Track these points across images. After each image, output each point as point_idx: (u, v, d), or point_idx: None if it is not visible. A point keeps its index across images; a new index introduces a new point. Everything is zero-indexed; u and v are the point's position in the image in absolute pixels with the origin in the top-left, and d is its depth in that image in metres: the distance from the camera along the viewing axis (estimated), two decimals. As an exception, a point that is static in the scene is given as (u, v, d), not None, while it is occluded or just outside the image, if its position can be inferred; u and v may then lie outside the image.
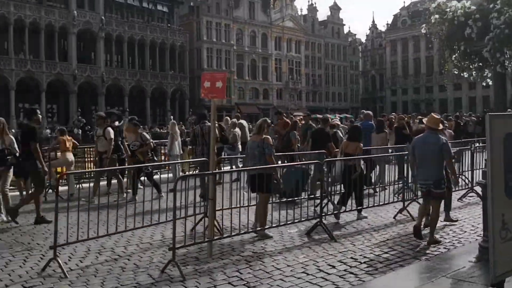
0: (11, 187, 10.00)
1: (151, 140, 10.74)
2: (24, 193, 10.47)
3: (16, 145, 8.71)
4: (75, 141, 12.34)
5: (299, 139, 11.61)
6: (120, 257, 6.33)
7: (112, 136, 10.38)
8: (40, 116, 8.75)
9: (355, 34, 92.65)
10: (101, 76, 53.00)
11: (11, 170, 8.75)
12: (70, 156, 11.36)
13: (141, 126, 12.94)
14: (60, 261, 5.69)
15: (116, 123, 11.20)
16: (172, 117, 40.19)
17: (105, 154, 10.44)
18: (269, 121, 8.42)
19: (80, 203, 7.00)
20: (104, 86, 53.25)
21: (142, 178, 12.83)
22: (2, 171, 8.46)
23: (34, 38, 48.28)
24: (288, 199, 8.38)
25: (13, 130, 19.56)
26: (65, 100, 51.63)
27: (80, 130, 35.66)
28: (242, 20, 68.05)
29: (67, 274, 5.54)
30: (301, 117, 14.09)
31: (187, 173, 13.71)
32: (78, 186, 10.97)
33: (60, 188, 8.09)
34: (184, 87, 60.81)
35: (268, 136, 7.74)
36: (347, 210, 8.45)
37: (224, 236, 6.84)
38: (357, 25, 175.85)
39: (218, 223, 7.11)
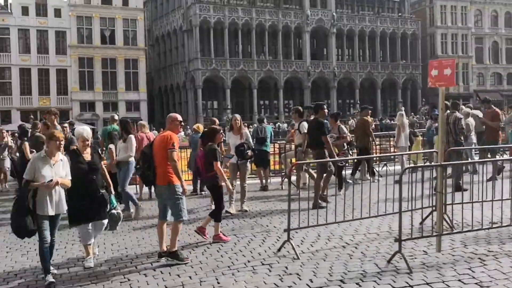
0: (251, 176, 11.16)
1: (348, 134, 10.66)
2: (264, 181, 11.64)
3: (251, 139, 9.62)
4: (307, 134, 13.08)
5: None
6: (347, 245, 6.56)
7: (305, 130, 10.58)
8: (326, 110, 9.45)
9: None
10: (333, 71, 54.91)
11: (248, 164, 9.56)
12: (303, 148, 12.09)
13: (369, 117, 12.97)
14: (293, 244, 6.19)
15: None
16: (403, 108, 39.25)
17: (301, 147, 10.68)
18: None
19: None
20: (335, 80, 55.05)
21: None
22: (241, 164, 9.19)
23: (272, 40, 52.68)
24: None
25: (255, 125, 21.73)
26: (299, 95, 55.01)
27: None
28: (482, 0, 62.31)
29: (299, 256, 6.00)
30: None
31: (416, 164, 13.31)
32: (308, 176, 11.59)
33: (292, 178, 8.71)
34: (416, 76, 58.82)
35: None
36: None
37: (455, 231, 6.49)
38: None
39: (449, 217, 6.78)
